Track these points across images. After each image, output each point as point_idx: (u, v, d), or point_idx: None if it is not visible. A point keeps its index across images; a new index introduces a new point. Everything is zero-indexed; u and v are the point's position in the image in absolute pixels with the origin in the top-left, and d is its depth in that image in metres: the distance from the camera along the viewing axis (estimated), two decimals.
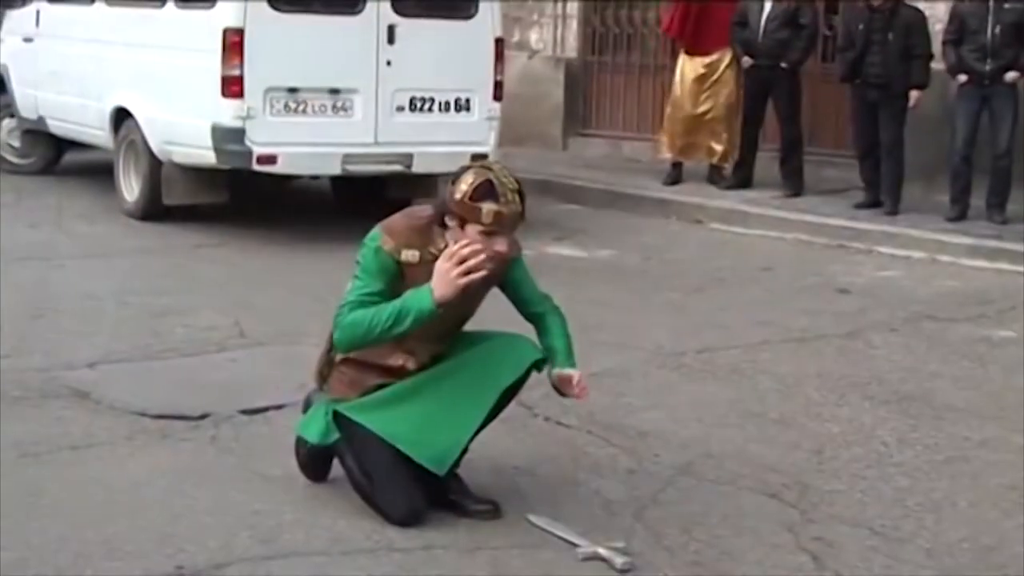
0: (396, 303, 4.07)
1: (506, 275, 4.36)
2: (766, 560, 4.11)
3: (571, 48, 14.77)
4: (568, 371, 4.35)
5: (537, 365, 4.34)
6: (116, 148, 10.29)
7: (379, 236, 4.16)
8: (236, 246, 9.16)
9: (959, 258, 9.42)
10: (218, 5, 9.10)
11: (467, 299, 4.20)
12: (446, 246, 4.10)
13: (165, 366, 6.14)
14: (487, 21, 9.96)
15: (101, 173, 11.06)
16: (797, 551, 4.19)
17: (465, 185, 4.05)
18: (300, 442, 4.53)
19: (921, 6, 10.94)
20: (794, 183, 11.40)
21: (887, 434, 5.45)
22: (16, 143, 12.41)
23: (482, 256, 4.01)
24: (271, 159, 9.05)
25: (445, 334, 4.33)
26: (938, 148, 10.70)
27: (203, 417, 5.27)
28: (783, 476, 4.86)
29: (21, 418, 5.24)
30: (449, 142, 9.52)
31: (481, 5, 9.89)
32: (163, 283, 7.92)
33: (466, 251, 3.99)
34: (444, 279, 4.00)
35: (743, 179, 11.76)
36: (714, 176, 12.02)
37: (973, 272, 9.10)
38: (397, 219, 4.26)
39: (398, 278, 4.15)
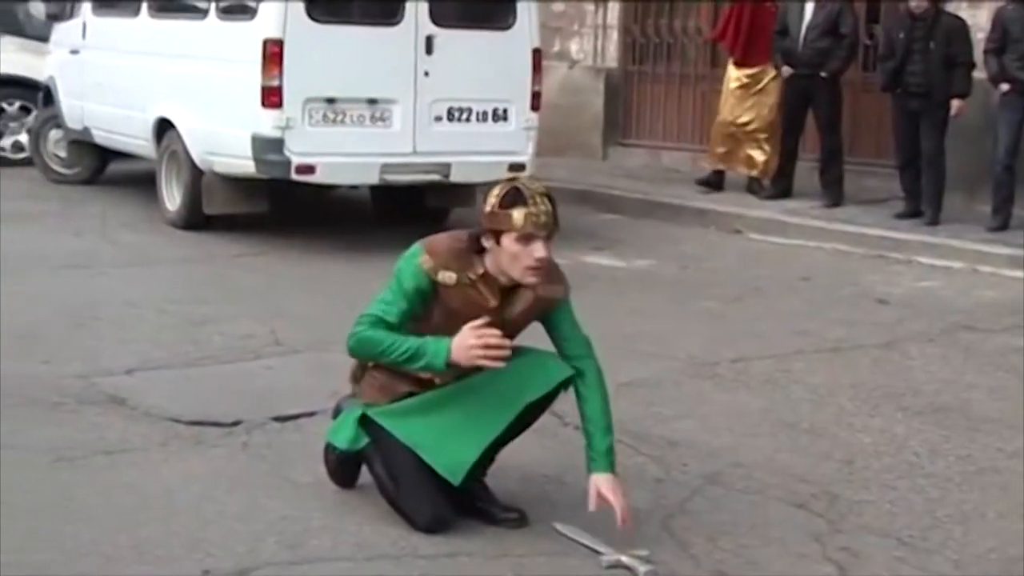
0: (415, 344, 4.10)
1: (551, 314, 4.34)
2: (791, 570, 4.11)
3: (611, 58, 14.78)
4: (602, 479, 4.23)
5: (564, 384, 4.33)
6: (159, 158, 10.37)
7: (420, 253, 4.18)
8: (275, 255, 9.22)
9: (999, 268, 9.33)
10: (258, 17, 9.17)
11: (505, 333, 4.22)
12: (484, 272, 4.14)
13: (201, 373, 6.19)
14: (525, 31, 9.97)
15: (144, 183, 11.15)
16: (823, 561, 4.18)
17: (493, 197, 4.09)
18: (329, 448, 4.57)
19: (963, 14, 10.91)
20: (834, 193, 11.35)
21: (919, 445, 5.43)
22: (62, 153, 12.57)
23: (506, 352, 4.06)
24: (310, 169, 9.10)
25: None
26: (980, 158, 10.63)
27: (236, 424, 5.31)
28: (812, 486, 4.85)
29: (58, 423, 5.31)
30: (487, 152, 9.55)
31: (519, 16, 9.91)
32: (202, 291, 7.99)
33: (494, 341, 4.04)
34: (464, 350, 4.05)
35: (783, 189, 11.73)
36: (753, 186, 11.99)
37: (1013, 283, 8.99)
38: (440, 239, 4.26)
39: (431, 297, 4.17)
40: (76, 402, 5.61)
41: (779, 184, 11.78)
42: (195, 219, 9.95)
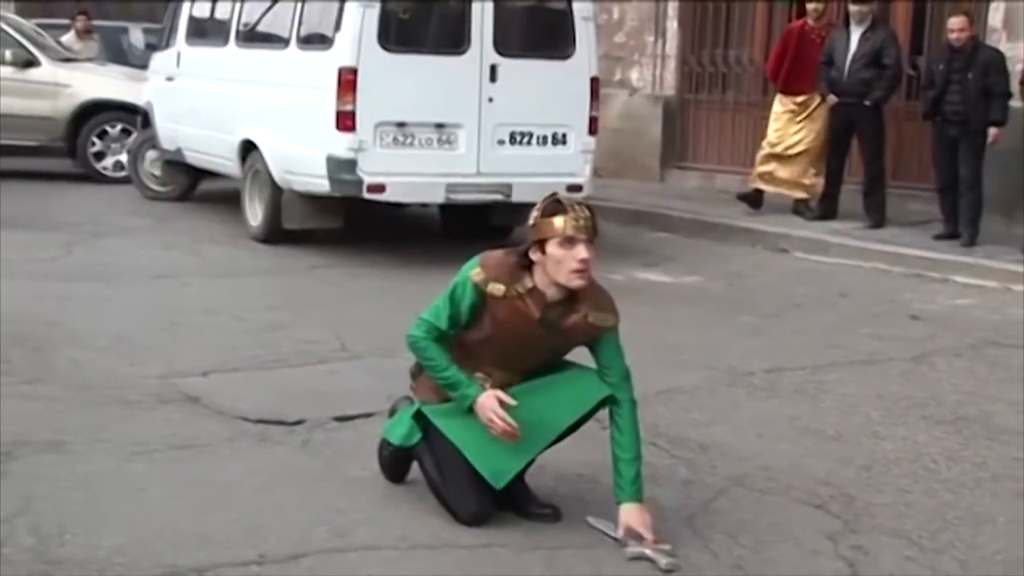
0: (454, 377, 4.24)
1: (597, 340, 4.39)
2: (803, 565, 4.14)
3: (669, 86, 14.83)
4: (631, 511, 4.24)
5: (603, 403, 4.38)
6: (243, 177, 10.53)
7: (475, 265, 4.28)
8: (347, 267, 9.33)
9: None
10: (335, 47, 9.31)
11: (553, 354, 4.35)
12: (533, 286, 4.21)
13: (270, 376, 6.28)
14: (584, 61, 10.03)
15: (230, 201, 11.34)
16: (835, 558, 4.20)
17: (536, 211, 4.20)
18: (383, 444, 4.67)
19: (1003, 47, 10.86)
20: (876, 215, 11.31)
21: (938, 452, 5.41)
22: (157, 172, 12.84)
23: (515, 439, 4.20)
24: (380, 188, 9.23)
25: (525, 373, 4.41)
26: (1016, 183, 10.55)
27: (298, 423, 5.39)
28: (832, 488, 4.86)
29: (137, 420, 5.43)
30: (546, 173, 9.60)
31: (578, 46, 9.98)
32: (276, 300, 8.09)
33: (511, 430, 4.18)
34: (484, 412, 4.20)
35: (828, 211, 11.70)
36: (800, 208, 11.96)
37: None
38: (495, 254, 4.33)
39: (480, 307, 4.26)
40: (155, 400, 5.72)
41: (825, 206, 11.75)
42: (275, 234, 10.11)
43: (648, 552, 4.08)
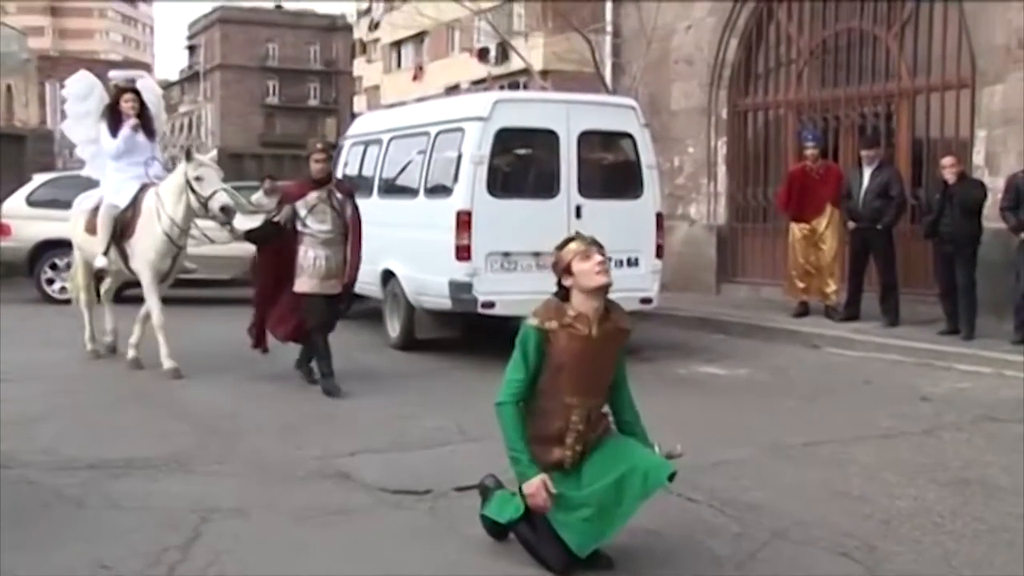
0: (520, 454, 4.26)
1: (621, 345, 4.43)
2: None
3: (720, 217, 14.85)
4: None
5: (670, 478, 4.28)
6: (384, 298, 10.69)
7: (529, 318, 4.33)
8: (466, 368, 9.36)
9: (1020, 372, 8.98)
10: (453, 195, 9.50)
11: (607, 366, 4.34)
12: (577, 313, 4.26)
13: (405, 455, 6.30)
14: (650, 200, 10.12)
15: (374, 317, 11.47)
16: None
17: (553, 253, 4.38)
18: (484, 519, 4.66)
19: (986, 180, 10.76)
20: (891, 316, 11.14)
21: (944, 509, 5.29)
22: None
23: (547, 509, 4.21)
24: (491, 305, 9.33)
25: (598, 389, 4.37)
26: (1003, 289, 10.35)
27: (426, 492, 5.41)
28: (856, 540, 4.77)
29: (301, 492, 5.48)
30: (623, 289, 9.31)
31: (646, 189, 10.08)
32: (409, 396, 8.10)
33: (545, 508, 4.22)
34: (530, 488, 4.22)
35: (852, 314, 11.55)
36: (830, 312, 11.84)
37: None
38: (539, 305, 4.39)
39: (544, 344, 4.26)
40: (317, 476, 5.77)
41: (850, 310, 11.61)
42: (409, 342, 10.23)
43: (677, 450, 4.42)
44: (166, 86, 78.81)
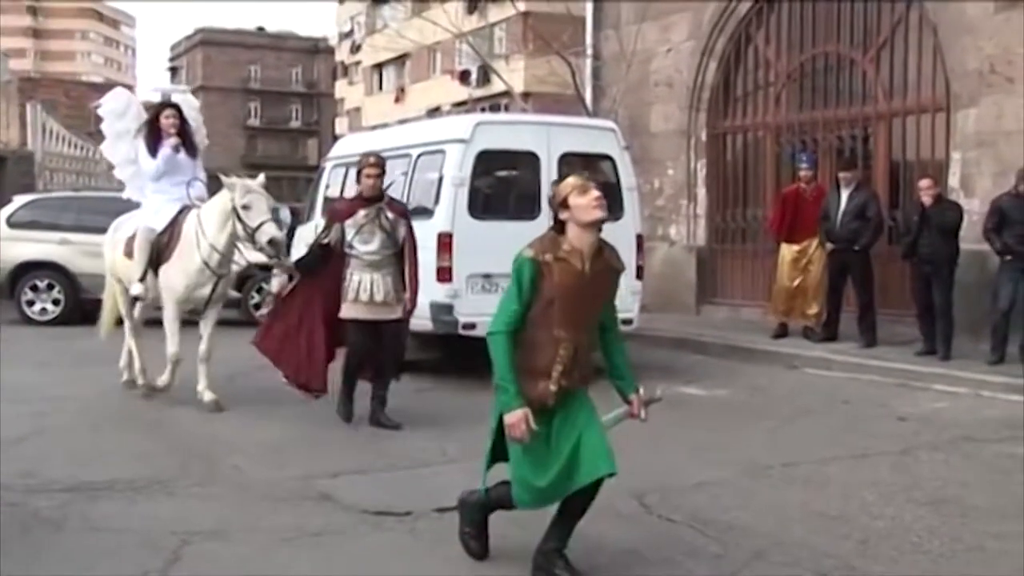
0: (505, 382, 4.23)
1: (614, 283, 4.48)
2: None
3: (700, 238, 14.91)
4: (632, 398, 4.52)
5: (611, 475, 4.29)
6: None
7: (525, 251, 4.30)
8: (447, 390, 9.33)
9: (996, 393, 9.07)
10: (435, 216, 9.49)
11: (597, 302, 4.37)
12: (572, 247, 4.26)
13: (386, 476, 6.28)
14: (631, 221, 10.15)
15: None
16: None
17: (553, 187, 4.41)
18: (463, 538, 4.69)
19: (962, 202, 10.85)
20: (869, 337, 11.20)
21: (921, 528, 5.30)
22: None
23: (526, 440, 4.20)
24: (472, 326, 9.28)
25: (586, 325, 4.36)
26: (979, 309, 10.43)
27: (407, 514, 5.38)
28: (834, 560, 4.78)
29: (282, 513, 5.44)
30: None
31: (626, 210, 10.11)
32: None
33: (524, 439, 4.20)
34: (509, 427, 4.22)
35: (830, 334, 11.60)
36: (808, 332, 11.89)
37: (1008, 404, 8.74)
38: (535, 238, 4.39)
39: (539, 277, 4.24)
40: (297, 497, 5.74)
41: (828, 331, 11.66)
42: None
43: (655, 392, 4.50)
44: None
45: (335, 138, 31.91)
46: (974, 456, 6.99)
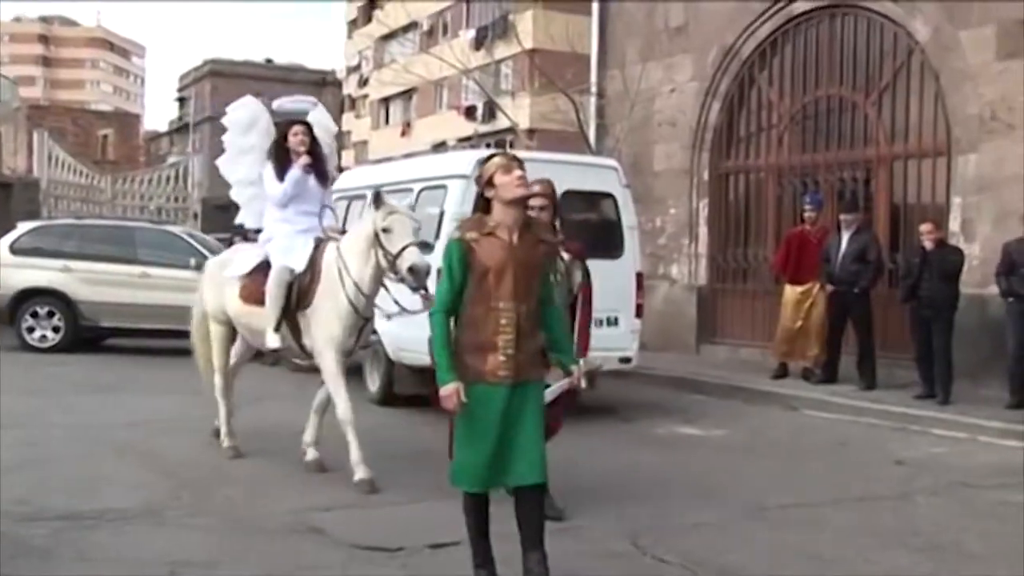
0: (445, 359, 4.37)
1: (546, 265, 4.58)
2: None
3: (701, 278, 14.91)
4: (572, 368, 4.66)
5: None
6: (366, 355, 10.53)
7: (451, 234, 4.49)
8: (444, 424, 9.18)
9: (994, 439, 9.03)
10: (436, 252, 9.35)
11: (531, 274, 4.42)
12: (497, 223, 4.39)
13: (379, 511, 6.23)
14: (630, 260, 10.15)
15: (354, 371, 11.34)
16: None
17: (479, 167, 4.55)
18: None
19: (962, 246, 10.85)
20: (868, 380, 11.17)
21: (918, 574, 5.27)
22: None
23: (456, 411, 4.39)
24: None
25: (524, 295, 4.39)
26: (978, 354, 10.40)
27: (399, 549, 5.34)
28: None
29: (273, 547, 5.36)
30: (603, 348, 9.46)
31: (626, 249, 10.11)
32: (389, 448, 7.98)
33: (455, 411, 4.38)
34: (442, 399, 4.39)
35: (830, 376, 11.58)
36: (807, 374, 11.87)
37: (1006, 450, 8.69)
38: (461, 221, 4.55)
39: (468, 254, 4.36)
40: (287, 531, 5.67)
41: (827, 372, 11.64)
42: (388, 397, 10.16)
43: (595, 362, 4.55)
44: (153, 137, 79.06)
45: (341, 170, 32.07)
46: (971, 502, 6.94)
